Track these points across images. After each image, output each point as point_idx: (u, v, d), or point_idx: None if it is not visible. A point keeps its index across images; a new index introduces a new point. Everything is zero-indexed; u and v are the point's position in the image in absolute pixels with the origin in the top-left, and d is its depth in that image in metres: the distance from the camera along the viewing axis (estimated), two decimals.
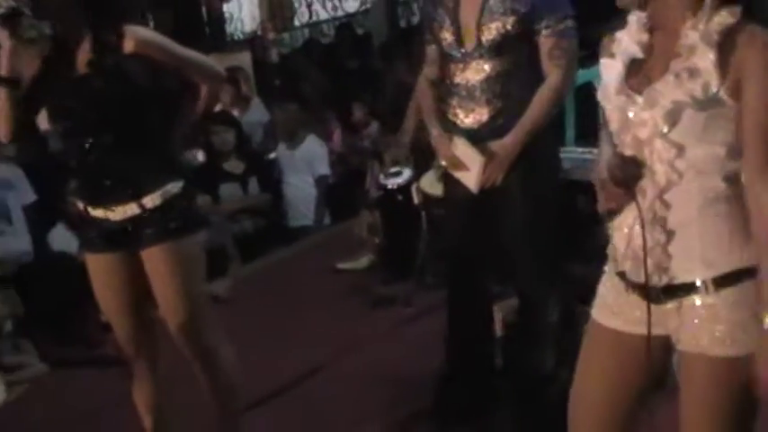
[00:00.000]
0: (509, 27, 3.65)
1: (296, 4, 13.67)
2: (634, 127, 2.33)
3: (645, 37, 2.36)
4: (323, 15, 13.63)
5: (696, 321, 2.33)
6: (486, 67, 3.71)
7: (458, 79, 3.78)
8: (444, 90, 3.88)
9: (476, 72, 3.74)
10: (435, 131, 3.92)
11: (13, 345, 5.27)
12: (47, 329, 5.44)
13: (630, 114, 2.34)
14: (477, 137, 3.76)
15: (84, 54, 3.29)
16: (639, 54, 2.36)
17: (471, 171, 3.77)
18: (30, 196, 6.61)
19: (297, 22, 13.45)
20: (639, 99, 2.31)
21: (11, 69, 3.27)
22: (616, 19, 2.45)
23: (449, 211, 4.20)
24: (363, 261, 6.29)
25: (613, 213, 2.42)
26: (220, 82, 3.76)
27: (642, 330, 2.40)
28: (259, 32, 11.86)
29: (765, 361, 2.22)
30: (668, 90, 2.26)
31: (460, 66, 3.76)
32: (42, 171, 6.78)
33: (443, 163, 3.96)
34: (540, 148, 3.77)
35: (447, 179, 4.04)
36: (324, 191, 7.56)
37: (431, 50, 3.96)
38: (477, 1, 3.69)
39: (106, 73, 3.26)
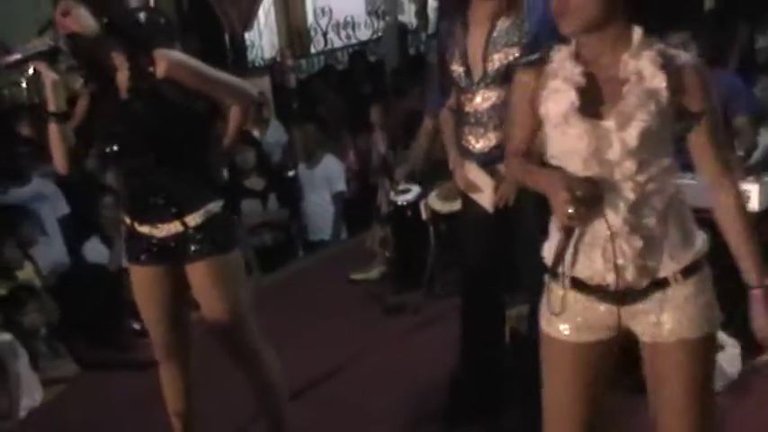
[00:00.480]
0: (512, 58, 3.62)
1: (312, 33, 13.69)
2: (604, 149, 2.38)
3: (579, 69, 2.40)
4: (337, 43, 13.65)
5: (673, 310, 2.45)
6: (493, 95, 3.70)
7: (468, 108, 3.78)
8: (457, 118, 3.89)
9: (483, 100, 3.73)
10: (453, 156, 3.94)
11: (50, 348, 5.28)
12: (81, 334, 5.46)
13: (600, 137, 2.38)
14: (488, 160, 3.78)
15: (124, 81, 3.29)
16: (583, 83, 2.39)
17: (485, 192, 3.81)
18: (63, 208, 6.63)
19: (313, 50, 13.46)
20: (609, 122, 2.37)
21: (57, 104, 3.28)
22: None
23: (467, 229, 4.19)
24: (375, 272, 6.28)
25: (571, 232, 2.45)
26: (253, 102, 3.72)
27: (609, 335, 2.54)
28: (278, 59, 11.86)
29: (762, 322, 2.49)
30: (635, 111, 2.35)
31: (469, 95, 3.76)
32: (75, 186, 6.81)
33: (460, 185, 3.98)
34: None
35: (464, 199, 4.05)
36: (341, 207, 7.57)
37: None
38: (482, 34, 3.69)
39: (144, 97, 3.27)
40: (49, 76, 3.25)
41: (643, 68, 2.34)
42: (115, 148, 3.34)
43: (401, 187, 6.16)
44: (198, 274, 3.41)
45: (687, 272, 2.45)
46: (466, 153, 3.85)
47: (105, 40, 3.27)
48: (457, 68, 3.79)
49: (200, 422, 3.82)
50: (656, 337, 2.48)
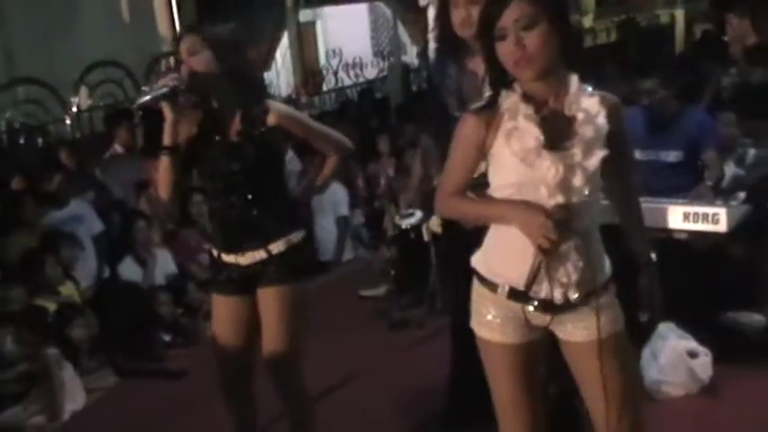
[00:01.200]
0: None
1: (324, 72, 13.75)
2: (571, 177, 2.45)
3: (531, 109, 2.47)
4: (347, 82, 13.69)
5: (604, 313, 2.58)
6: None
7: None
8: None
9: None
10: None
11: (91, 358, 5.30)
12: (118, 346, 5.46)
13: (568, 165, 2.45)
14: (475, 185, 3.79)
15: (234, 125, 3.32)
16: (539, 122, 2.47)
17: None
18: (98, 227, 6.66)
19: (325, 88, 13.51)
20: (575, 152, 2.45)
21: (172, 139, 3.31)
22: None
23: (451, 247, 4.19)
24: (382, 289, 6.27)
25: (549, 254, 2.48)
26: (348, 152, 3.67)
27: (537, 336, 2.66)
28: (293, 96, 11.91)
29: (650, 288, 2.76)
30: (593, 142, 2.46)
31: None
32: (109, 209, 6.86)
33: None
34: None
35: (448, 223, 4.05)
36: (343, 230, 7.55)
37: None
38: (479, 70, 3.73)
39: (255, 142, 3.30)
40: (169, 114, 3.27)
41: (589, 107, 2.46)
42: (221, 185, 3.36)
43: (405, 212, 6.18)
44: (267, 297, 3.39)
45: (607, 281, 2.62)
46: None
47: (223, 85, 3.32)
48: (451, 102, 3.81)
49: None
50: (591, 337, 2.58)
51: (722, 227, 4.58)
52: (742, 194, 5.12)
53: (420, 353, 5.11)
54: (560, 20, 2.45)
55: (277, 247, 3.35)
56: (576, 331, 2.61)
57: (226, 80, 3.30)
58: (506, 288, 2.59)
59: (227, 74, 3.29)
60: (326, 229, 7.47)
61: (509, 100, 2.50)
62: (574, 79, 2.48)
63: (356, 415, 4.49)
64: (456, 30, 3.71)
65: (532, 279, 2.53)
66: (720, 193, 5.20)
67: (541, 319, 2.61)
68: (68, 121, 8.96)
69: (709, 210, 4.74)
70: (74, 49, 10.24)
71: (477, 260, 2.72)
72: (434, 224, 5.59)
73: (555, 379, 3.56)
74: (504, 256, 2.62)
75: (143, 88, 3.32)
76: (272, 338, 3.40)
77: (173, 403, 4.83)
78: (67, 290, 5.70)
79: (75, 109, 9.16)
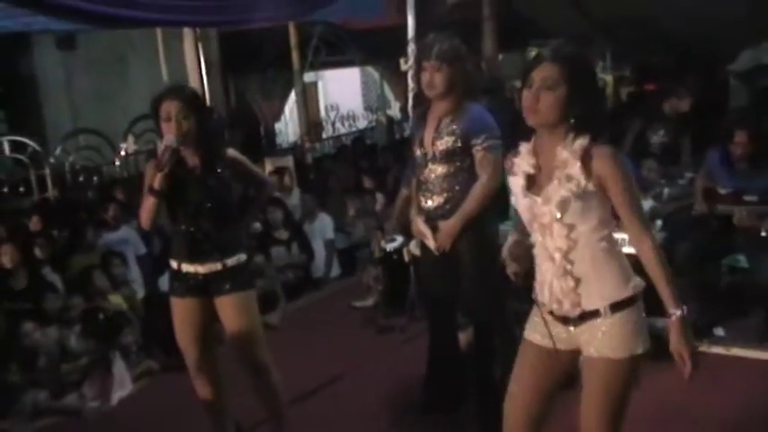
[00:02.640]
0: (451, 144, 3.70)
1: (324, 123, 13.77)
2: (539, 217, 2.47)
3: (533, 160, 2.50)
4: (342, 131, 13.72)
5: (600, 335, 2.43)
6: (439, 169, 3.75)
7: (422, 177, 3.83)
8: (417, 184, 3.94)
9: (432, 172, 3.78)
10: (412, 213, 3.98)
11: (136, 355, 5.29)
12: (158, 345, 5.43)
13: (535, 209, 2.48)
14: (435, 216, 3.81)
15: (200, 166, 3.41)
16: (531, 171, 2.50)
17: (430, 240, 3.83)
18: (141, 249, 6.65)
19: (324, 136, 13.54)
20: (539, 199, 2.46)
21: (162, 186, 3.33)
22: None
23: (424, 267, 4.20)
24: (371, 301, 6.25)
25: (519, 276, 2.56)
26: (272, 189, 3.94)
27: (560, 345, 2.54)
28: (299, 143, 11.91)
29: (675, 342, 2.39)
30: (556, 190, 2.43)
31: (424, 168, 3.81)
32: (152, 234, 6.84)
33: (415, 234, 4.04)
34: (482, 223, 3.79)
35: (422, 245, 4.06)
36: (330, 251, 7.43)
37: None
38: (433, 126, 3.77)
39: (216, 176, 3.39)
40: (168, 166, 3.31)
41: (566, 159, 2.41)
42: (189, 209, 3.40)
43: (389, 237, 6.14)
44: (227, 305, 3.44)
45: (614, 307, 2.41)
46: (420, 210, 3.88)
47: (198, 139, 3.38)
48: (416, 149, 3.86)
49: (232, 421, 3.78)
50: (588, 353, 2.47)
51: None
52: (659, 223, 5.16)
53: (402, 353, 5.09)
54: (582, 87, 2.40)
55: (231, 261, 3.41)
56: (580, 341, 2.50)
57: (198, 134, 3.37)
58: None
59: (199, 130, 3.36)
60: (318, 252, 7.41)
61: (522, 149, 2.55)
62: (571, 135, 2.42)
63: (349, 405, 4.46)
64: (424, 90, 3.76)
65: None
66: None
67: (562, 328, 2.53)
68: (118, 163, 8.95)
69: None
70: (124, 105, 10.28)
71: None
72: (413, 247, 5.60)
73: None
74: None
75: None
76: (234, 334, 3.48)
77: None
78: (117, 299, 5.66)
79: (123, 153, 9.17)
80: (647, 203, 5.73)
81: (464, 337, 4.38)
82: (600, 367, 2.45)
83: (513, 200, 2.58)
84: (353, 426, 4.24)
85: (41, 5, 4.93)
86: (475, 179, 3.72)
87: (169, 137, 3.32)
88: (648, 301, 4.82)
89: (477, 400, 3.96)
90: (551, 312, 2.53)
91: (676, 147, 6.51)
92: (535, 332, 2.61)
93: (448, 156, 3.72)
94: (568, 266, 2.45)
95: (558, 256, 2.45)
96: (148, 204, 3.37)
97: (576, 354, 2.54)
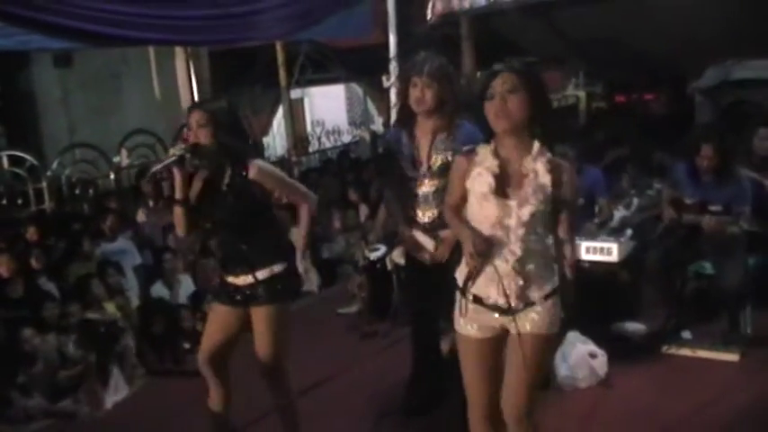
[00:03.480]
0: (448, 158, 3.69)
1: (310, 138, 13.73)
2: (505, 218, 2.56)
3: (496, 161, 2.58)
4: (328, 145, 13.64)
5: (535, 317, 2.62)
6: (435, 183, 3.75)
7: (418, 191, 3.82)
8: (405, 198, 3.91)
9: (429, 187, 3.78)
10: (401, 226, 3.96)
11: (130, 360, 5.25)
12: (150, 350, 5.43)
13: (504, 211, 2.56)
14: (432, 227, 3.81)
15: (225, 180, 3.36)
16: (497, 172, 2.58)
17: (428, 250, 3.83)
18: (137, 260, 6.62)
19: (311, 149, 13.49)
20: (511, 202, 2.56)
21: (182, 194, 3.34)
22: None
23: (410, 276, 4.20)
24: (355, 308, 6.24)
25: (477, 271, 2.65)
26: (314, 202, 3.54)
27: (497, 333, 2.73)
28: (286, 156, 11.90)
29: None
30: (530, 197, 2.54)
31: (419, 183, 3.81)
32: (145, 245, 6.83)
33: (406, 247, 4.01)
34: None
35: (408, 256, 4.08)
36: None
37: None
38: (427, 142, 3.77)
39: (236, 192, 3.33)
40: (178, 175, 3.30)
41: (538, 169, 2.53)
42: (218, 224, 3.41)
43: (373, 247, 6.12)
44: (257, 316, 3.39)
45: (546, 297, 2.65)
46: (415, 223, 3.86)
47: (219, 153, 3.34)
48: (406, 165, 3.83)
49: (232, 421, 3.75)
50: (522, 330, 2.63)
51: (614, 257, 4.67)
52: (629, 232, 5.22)
53: (385, 357, 5.10)
54: (537, 94, 2.55)
55: (262, 274, 3.34)
56: (511, 326, 2.65)
57: (221, 147, 3.32)
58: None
59: (221, 142, 3.32)
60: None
61: (483, 151, 2.61)
62: (536, 144, 2.55)
63: (334, 406, 4.46)
64: (412, 105, 3.76)
65: (466, 283, 2.70)
66: (610, 231, 5.30)
67: (497, 319, 2.68)
68: (112, 176, 8.91)
69: (605, 244, 4.84)
70: (118, 121, 10.26)
71: None
72: (396, 256, 5.61)
73: None
74: None
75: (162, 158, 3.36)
76: (260, 346, 3.41)
77: (190, 396, 4.68)
78: (111, 308, 5.63)
79: (118, 166, 9.18)
80: (619, 213, 5.80)
81: (446, 344, 4.38)
82: (533, 342, 2.65)
83: (474, 197, 2.62)
84: (338, 427, 4.24)
85: (38, 24, 4.92)
86: None
87: (179, 145, 3.34)
88: (616, 307, 4.90)
89: (461, 400, 3.96)
90: (495, 306, 2.65)
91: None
92: (469, 326, 2.73)
93: (445, 170, 3.69)
94: (520, 267, 2.59)
95: (511, 258, 2.57)
96: (176, 214, 3.37)
97: (506, 335, 2.72)
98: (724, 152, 4.73)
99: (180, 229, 3.43)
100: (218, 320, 3.49)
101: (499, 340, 2.73)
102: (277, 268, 3.37)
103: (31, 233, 6.63)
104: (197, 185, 3.41)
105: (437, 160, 3.74)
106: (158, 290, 6.20)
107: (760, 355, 4.62)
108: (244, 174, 3.31)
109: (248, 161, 3.34)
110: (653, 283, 5.14)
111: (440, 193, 3.70)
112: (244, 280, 3.37)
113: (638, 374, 4.46)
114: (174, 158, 3.27)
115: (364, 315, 5.98)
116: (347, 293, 6.39)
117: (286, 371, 3.52)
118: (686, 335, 4.90)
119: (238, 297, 3.41)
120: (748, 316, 4.84)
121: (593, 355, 4.37)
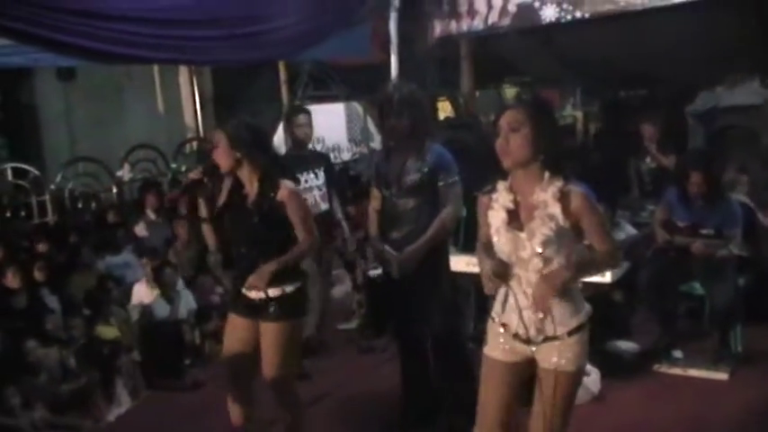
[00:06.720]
0: (418, 179, 3.88)
1: None
2: (519, 250, 2.58)
3: (511, 196, 2.62)
4: None
5: (557, 353, 2.60)
6: (407, 203, 3.92)
7: (390, 211, 3.99)
8: (381, 216, 4.07)
9: (400, 206, 3.94)
10: (373, 242, 4.14)
11: (133, 373, 5.31)
12: (151, 364, 5.47)
13: (517, 243, 2.58)
14: (401, 244, 3.96)
15: (252, 195, 3.41)
16: (512, 206, 2.61)
17: (394, 265, 3.95)
18: (139, 273, 6.64)
19: None
20: (522, 234, 2.57)
21: (207, 213, 3.45)
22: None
23: (388, 289, 4.26)
24: (354, 323, 6.31)
25: (493, 295, 2.70)
26: (315, 245, 3.53)
27: (521, 359, 2.71)
28: None
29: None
30: (539, 228, 2.54)
31: (391, 203, 3.97)
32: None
33: (377, 261, 4.16)
34: (443, 248, 4.01)
35: (383, 271, 4.22)
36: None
37: (375, 192, 4.12)
38: (399, 164, 3.92)
39: (262, 214, 3.37)
40: (202, 196, 3.40)
41: (546, 199, 2.55)
42: (238, 240, 3.48)
43: (371, 264, 6.22)
44: (265, 332, 3.42)
45: (571, 332, 2.61)
46: (385, 240, 4.01)
47: (245, 167, 3.39)
48: (381, 184, 4.00)
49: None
50: (543, 366, 2.65)
51: (607, 278, 4.74)
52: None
53: (382, 371, 5.13)
54: (543, 127, 2.56)
55: (273, 291, 3.37)
56: (539, 357, 2.67)
57: (248, 163, 3.38)
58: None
59: (248, 158, 3.36)
60: None
61: (500, 188, 2.66)
62: (546, 174, 2.56)
63: (335, 418, 4.52)
64: (386, 134, 3.92)
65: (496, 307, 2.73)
66: None
67: (522, 347, 2.68)
68: (115, 190, 9.00)
69: None
70: (121, 135, 10.33)
71: None
72: (372, 270, 5.69)
73: None
74: None
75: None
76: (266, 360, 3.44)
77: (190, 409, 4.85)
78: (113, 331, 5.60)
79: (120, 180, 9.25)
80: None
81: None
82: (555, 378, 2.63)
83: (492, 231, 2.68)
84: None
85: (49, 43, 5.01)
86: (437, 212, 3.90)
87: (199, 167, 3.44)
88: (609, 326, 4.96)
89: (452, 411, 4.04)
90: (516, 335, 2.68)
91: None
92: (495, 349, 2.75)
93: (415, 190, 3.90)
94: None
95: (530, 289, 2.59)
96: (206, 231, 3.52)
97: (532, 364, 2.71)
98: (713, 179, 4.84)
99: (210, 243, 3.55)
100: (234, 332, 3.53)
101: (522, 368, 2.72)
102: (289, 288, 3.41)
103: (41, 246, 6.65)
104: (223, 197, 3.46)
105: (407, 181, 3.90)
106: (159, 306, 6.20)
107: (749, 374, 4.71)
108: (272, 194, 3.35)
109: (279, 181, 3.37)
110: (645, 303, 5.23)
111: (411, 212, 3.90)
112: (256, 294, 3.41)
113: (631, 392, 4.54)
114: (193, 180, 3.39)
115: (363, 330, 6.03)
116: (348, 310, 6.48)
117: (292, 385, 3.56)
118: (677, 354, 4.98)
119: (250, 309, 3.46)
120: (738, 335, 4.93)
121: (586, 373, 4.43)
